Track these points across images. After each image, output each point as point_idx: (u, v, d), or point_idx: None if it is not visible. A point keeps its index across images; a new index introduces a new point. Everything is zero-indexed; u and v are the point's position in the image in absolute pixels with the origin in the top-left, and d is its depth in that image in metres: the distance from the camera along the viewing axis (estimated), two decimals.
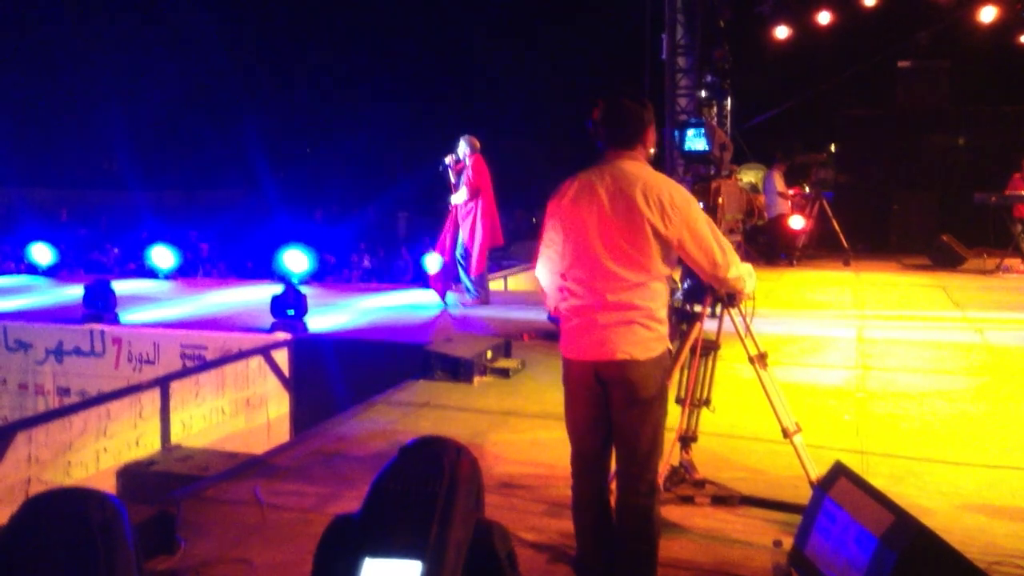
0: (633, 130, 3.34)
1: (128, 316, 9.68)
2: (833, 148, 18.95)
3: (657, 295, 3.30)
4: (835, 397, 6.47)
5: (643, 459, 3.30)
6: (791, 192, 14.58)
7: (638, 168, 3.30)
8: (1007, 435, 5.57)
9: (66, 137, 28.14)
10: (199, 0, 28.13)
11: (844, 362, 7.58)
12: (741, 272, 3.44)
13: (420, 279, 11.82)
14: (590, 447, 3.42)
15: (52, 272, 13.78)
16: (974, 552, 3.27)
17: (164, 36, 30.00)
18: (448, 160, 9.87)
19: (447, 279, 10.16)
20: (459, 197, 9.90)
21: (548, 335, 8.50)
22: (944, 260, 13.76)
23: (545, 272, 3.51)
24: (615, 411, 3.33)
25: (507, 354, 7.58)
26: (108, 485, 6.35)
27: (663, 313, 3.33)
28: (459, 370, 6.98)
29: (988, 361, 7.55)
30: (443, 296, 10.17)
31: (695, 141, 4.25)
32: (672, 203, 3.22)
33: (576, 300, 3.34)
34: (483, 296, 10.21)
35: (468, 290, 10.17)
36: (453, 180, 9.92)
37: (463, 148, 9.83)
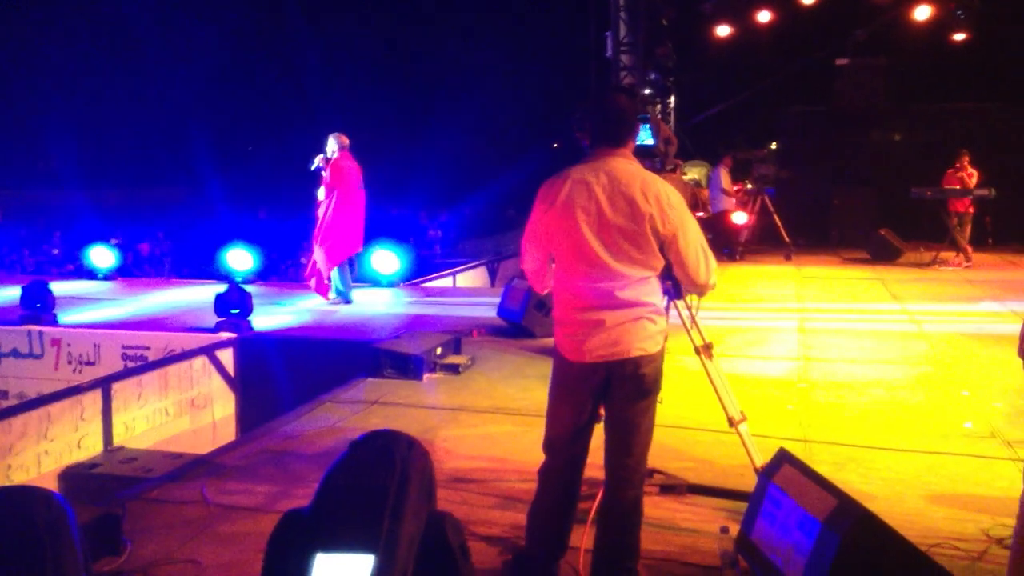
0: (626, 128, 3.33)
1: (67, 317, 9.48)
2: (774, 145, 19.28)
3: (657, 290, 3.34)
4: (778, 387, 6.59)
5: (639, 452, 3.35)
6: (735, 188, 14.82)
7: (632, 166, 3.30)
8: (944, 422, 5.73)
9: (1, 135, 27.44)
10: None
11: (787, 353, 7.73)
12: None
13: (366, 277, 11.78)
14: (580, 447, 3.42)
15: None
16: (914, 535, 3.35)
17: (104, 32, 29.39)
18: (319, 160, 9.84)
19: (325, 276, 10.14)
20: (320, 194, 9.91)
21: (497, 331, 8.53)
22: (882, 253, 14.10)
23: (534, 263, 3.48)
24: (618, 407, 3.34)
25: (457, 350, 7.58)
26: (50, 488, 6.21)
27: (663, 306, 3.38)
28: (408, 367, 6.96)
29: (925, 351, 7.75)
30: (326, 294, 10.16)
31: (641, 135, 4.28)
32: (669, 202, 3.24)
33: (580, 301, 3.30)
34: (343, 295, 10.18)
35: (337, 289, 10.18)
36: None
37: (331, 146, 9.81)
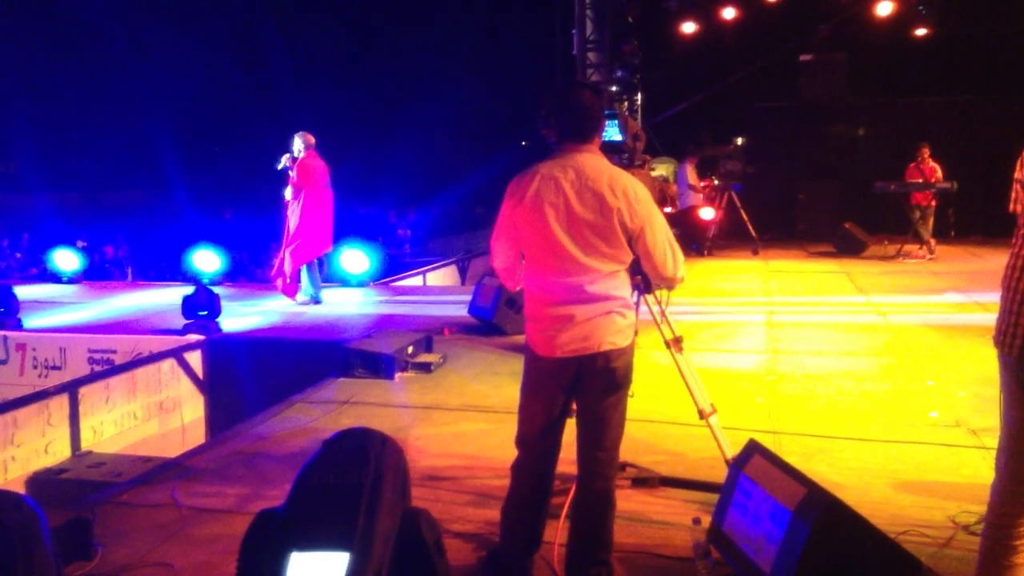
0: (592, 124, 3.35)
1: (32, 321, 9.35)
2: (740, 140, 19.43)
3: (626, 284, 3.36)
4: (747, 380, 6.65)
5: (611, 444, 3.37)
6: (702, 184, 14.93)
7: (599, 162, 3.32)
8: (910, 411, 5.81)
9: None
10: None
11: (755, 347, 7.79)
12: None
13: (335, 277, 11.73)
14: (553, 441, 3.44)
15: None
16: (882, 522, 3.40)
17: (66, 34, 29.00)
18: (285, 159, 9.80)
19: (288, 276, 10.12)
20: (287, 194, 9.87)
21: (469, 329, 8.53)
22: (847, 247, 14.27)
23: (504, 260, 3.49)
24: (589, 401, 3.35)
25: (428, 349, 7.58)
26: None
27: (631, 300, 3.40)
28: (379, 366, 6.94)
29: (891, 342, 7.86)
30: (293, 295, 10.12)
31: (609, 131, 4.31)
32: (636, 196, 3.25)
33: (550, 296, 3.31)
34: (312, 296, 10.15)
35: (303, 288, 10.15)
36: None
37: (297, 145, 9.77)
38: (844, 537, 2.98)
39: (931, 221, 13.71)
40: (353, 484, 2.60)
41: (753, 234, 14.54)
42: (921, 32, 15.73)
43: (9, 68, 27.72)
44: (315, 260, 10.13)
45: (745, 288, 11.14)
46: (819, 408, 5.93)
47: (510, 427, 3.57)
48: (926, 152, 13.56)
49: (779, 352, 7.54)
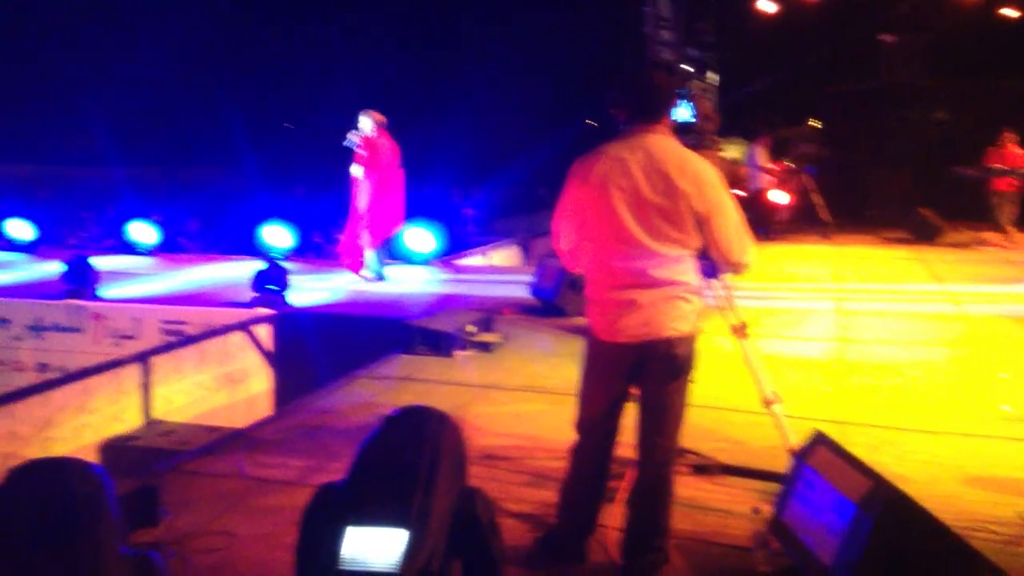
0: (663, 104, 3.28)
1: (107, 292, 9.62)
2: (816, 123, 18.99)
3: (692, 269, 3.29)
4: (814, 369, 6.52)
5: (671, 431, 3.34)
6: (775, 166, 14.63)
7: (670, 143, 3.25)
8: (982, 405, 5.64)
9: (42, 114, 27.83)
10: None
11: (823, 334, 7.64)
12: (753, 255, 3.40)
13: (399, 255, 11.82)
14: (612, 426, 3.43)
15: (31, 248, 13.67)
16: (949, 518, 3.31)
17: (140, 13, 29.61)
18: (354, 137, 9.84)
19: (356, 253, 10.25)
20: (356, 172, 9.91)
21: (528, 309, 8.52)
22: (923, 233, 13.86)
23: (567, 243, 3.43)
24: (650, 386, 3.32)
25: (488, 328, 7.59)
26: (90, 460, 6.33)
27: (698, 285, 3.33)
28: (440, 344, 6.99)
29: (965, 332, 7.63)
30: (357, 271, 10.21)
31: (680, 111, 4.25)
32: (707, 180, 3.19)
33: (613, 280, 3.27)
34: (376, 273, 10.23)
35: (368, 265, 10.23)
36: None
37: (365, 124, 9.80)
38: (909, 532, 2.91)
39: (1010, 208, 13.25)
40: (411, 462, 2.62)
41: (826, 218, 14.23)
42: (1009, 12, 15.15)
43: (88, 52, 28.43)
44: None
45: (814, 274, 10.92)
46: (887, 399, 5.80)
47: (568, 409, 3.56)
48: (1008, 137, 13.10)
49: (848, 340, 7.38)
